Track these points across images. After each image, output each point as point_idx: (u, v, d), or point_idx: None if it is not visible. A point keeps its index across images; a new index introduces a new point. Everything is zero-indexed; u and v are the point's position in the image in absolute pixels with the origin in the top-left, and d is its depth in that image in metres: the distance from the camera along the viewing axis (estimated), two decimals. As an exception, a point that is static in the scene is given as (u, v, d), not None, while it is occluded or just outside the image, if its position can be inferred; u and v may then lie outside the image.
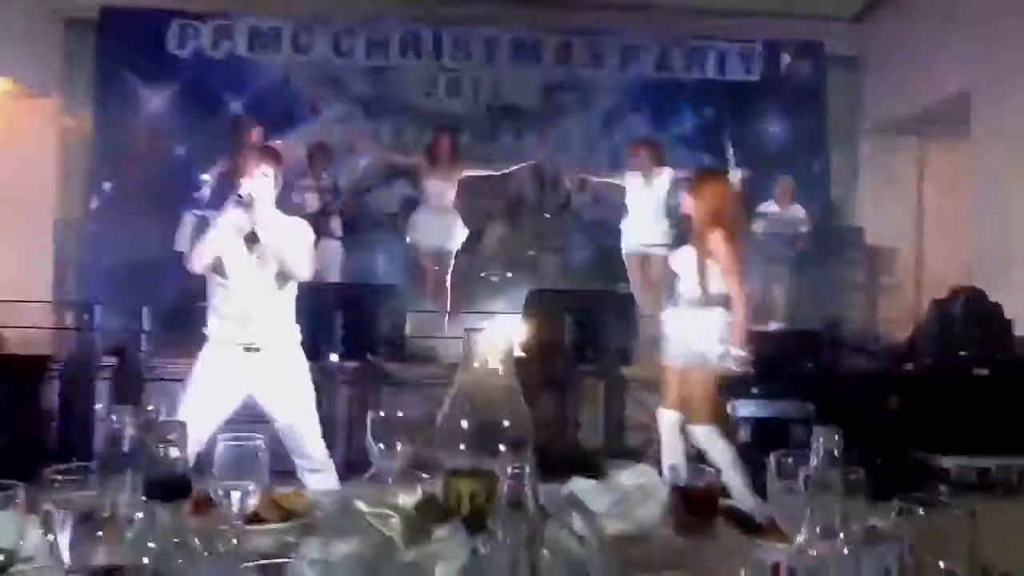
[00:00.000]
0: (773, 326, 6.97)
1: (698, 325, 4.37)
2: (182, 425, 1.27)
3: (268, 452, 1.55)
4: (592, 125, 9.27)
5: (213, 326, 3.70)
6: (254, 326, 3.63)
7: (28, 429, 5.17)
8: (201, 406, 3.52)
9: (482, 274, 7.99)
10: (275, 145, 5.55)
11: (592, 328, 6.42)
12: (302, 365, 3.77)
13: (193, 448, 3.37)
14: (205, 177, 7.17)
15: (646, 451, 5.13)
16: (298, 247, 3.71)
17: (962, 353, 5.89)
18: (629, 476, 1.80)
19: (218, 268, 3.64)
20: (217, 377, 3.63)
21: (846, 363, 6.25)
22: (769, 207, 7.92)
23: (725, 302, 4.34)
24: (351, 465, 4.06)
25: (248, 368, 3.63)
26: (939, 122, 8.18)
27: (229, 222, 3.62)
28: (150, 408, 1.49)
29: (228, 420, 3.56)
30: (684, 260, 4.51)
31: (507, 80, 9.24)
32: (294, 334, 3.77)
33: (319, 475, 3.66)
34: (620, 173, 7.38)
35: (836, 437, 1.10)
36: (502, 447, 1.26)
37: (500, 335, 1.34)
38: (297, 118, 8.79)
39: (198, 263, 3.63)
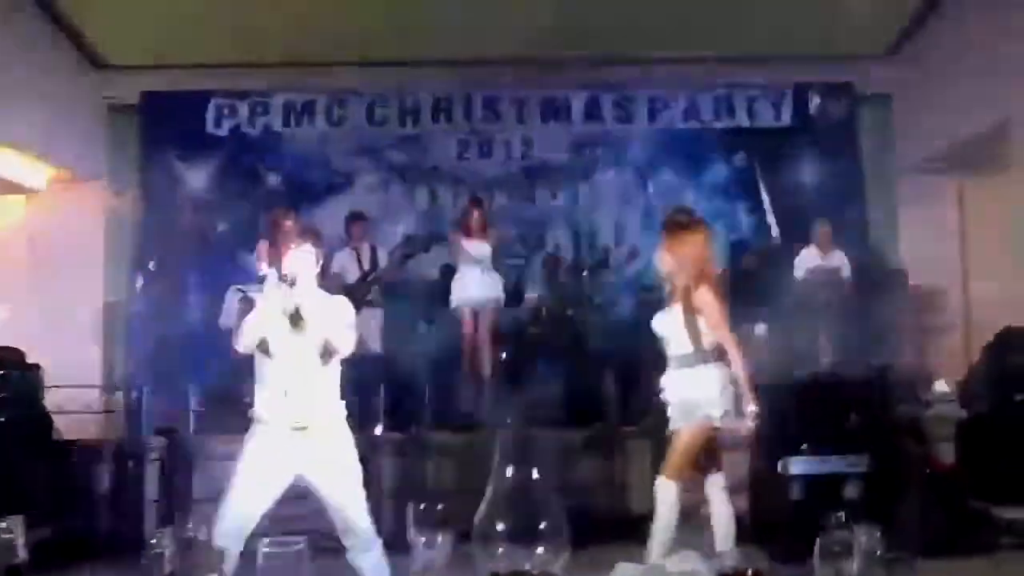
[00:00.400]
0: (819, 377, 6.84)
1: (698, 384, 4.16)
2: (219, 553, 1.28)
3: (309, 553, 1.57)
4: (625, 178, 9.31)
5: (260, 406, 3.74)
6: (300, 404, 3.66)
7: (78, 516, 5.23)
8: (251, 488, 3.58)
9: (525, 333, 7.99)
10: (311, 224, 5.65)
11: (636, 387, 6.38)
12: (349, 443, 3.78)
13: (242, 526, 3.38)
14: (255, 258, 7.24)
15: (696, 513, 5.03)
16: (341, 324, 3.77)
17: (1019, 397, 5.74)
18: (674, 562, 1.78)
19: (263, 347, 3.69)
20: (265, 458, 3.65)
21: (897, 412, 6.10)
22: (809, 254, 7.84)
23: (721, 356, 4.17)
24: (398, 536, 4.05)
25: (296, 448, 3.65)
26: (977, 155, 8.07)
27: (272, 302, 3.68)
28: (189, 528, 1.51)
29: (277, 500, 3.61)
30: (670, 320, 4.26)
31: (538, 139, 9.34)
32: (340, 411, 3.80)
33: (368, 555, 3.66)
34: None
35: (877, 536, 1.08)
36: (539, 550, 1.27)
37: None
38: (333, 188, 8.96)
39: (243, 343, 3.69)
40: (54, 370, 6.03)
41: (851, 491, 5.13)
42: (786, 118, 9.29)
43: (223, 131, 9.05)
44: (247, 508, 3.53)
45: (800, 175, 9.09)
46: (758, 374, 6.73)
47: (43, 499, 5.11)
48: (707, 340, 4.18)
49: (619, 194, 9.28)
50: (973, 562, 4.91)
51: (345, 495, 3.69)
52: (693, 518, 4.60)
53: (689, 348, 4.20)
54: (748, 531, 4.71)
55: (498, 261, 7.61)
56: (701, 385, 4.17)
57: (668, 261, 4.35)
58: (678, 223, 4.43)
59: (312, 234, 3.98)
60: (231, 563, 3.11)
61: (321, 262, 3.85)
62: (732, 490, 5.25)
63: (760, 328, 8.03)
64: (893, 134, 9.21)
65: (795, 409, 5.59)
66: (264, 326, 3.67)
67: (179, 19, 7.94)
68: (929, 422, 5.98)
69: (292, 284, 3.64)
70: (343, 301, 3.93)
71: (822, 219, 7.94)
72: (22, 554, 1.38)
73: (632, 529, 5.14)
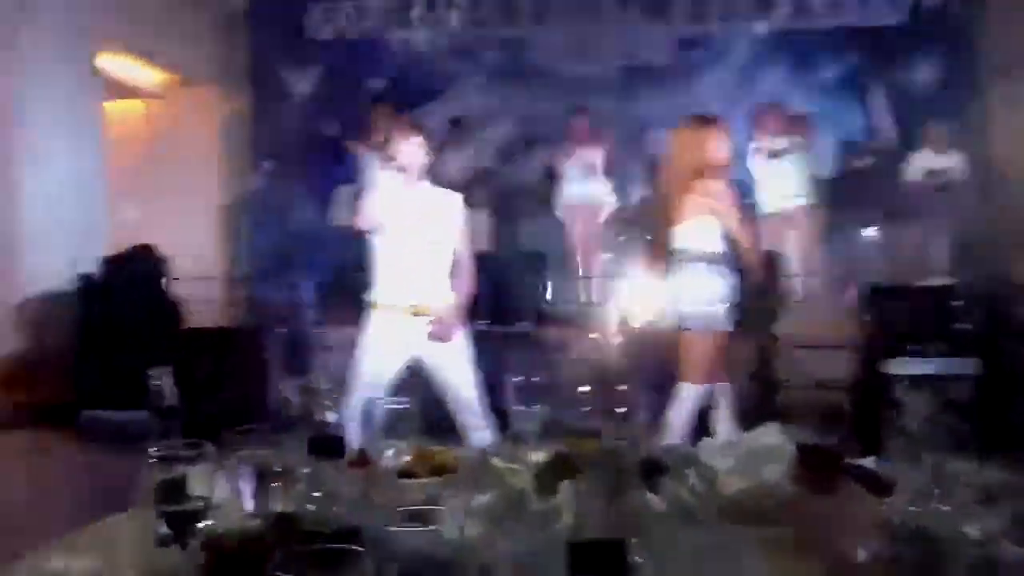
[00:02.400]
0: (933, 281, 6.68)
1: (705, 286, 4.07)
2: (338, 393, 1.44)
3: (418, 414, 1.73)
4: (729, 81, 9.06)
5: (378, 292, 3.91)
6: (416, 290, 3.84)
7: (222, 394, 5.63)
8: (373, 369, 3.80)
9: (621, 238, 8.02)
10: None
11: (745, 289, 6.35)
12: (461, 329, 3.94)
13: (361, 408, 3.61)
14: (355, 149, 7.45)
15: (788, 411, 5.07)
16: (452, 216, 3.93)
17: None
18: (756, 436, 1.86)
19: (380, 232, 3.86)
20: (385, 341, 3.86)
21: (1010, 318, 5.92)
22: (922, 156, 7.55)
23: (735, 259, 4.07)
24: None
25: (413, 330, 3.84)
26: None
27: (388, 188, 3.84)
28: (311, 377, 1.67)
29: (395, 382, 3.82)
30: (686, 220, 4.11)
31: (641, 40, 9.15)
32: (451, 297, 3.94)
33: (481, 432, 3.83)
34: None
35: (932, 402, 1.14)
36: (619, 410, 1.36)
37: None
38: (435, 91, 9.02)
39: (366, 220, 3.85)
40: (178, 264, 6.43)
41: (955, 393, 5.06)
42: (901, 15, 8.82)
43: (326, 35, 9.19)
44: (370, 388, 3.69)
45: (916, 74, 8.66)
46: (867, 276, 6.67)
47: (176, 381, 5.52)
48: (718, 241, 4.08)
49: (724, 95, 9.05)
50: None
51: (460, 376, 3.89)
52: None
53: (705, 248, 4.10)
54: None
55: (609, 167, 7.65)
56: (709, 287, 4.09)
57: (686, 155, 4.18)
58: (697, 117, 4.29)
59: (420, 127, 4.07)
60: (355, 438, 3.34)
61: (431, 157, 3.95)
62: (835, 387, 5.32)
63: (870, 231, 7.86)
64: (1019, 31, 8.63)
65: (903, 312, 5.51)
66: (381, 210, 3.83)
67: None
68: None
69: (404, 172, 3.79)
70: (456, 196, 4.05)
71: (936, 119, 7.61)
72: (172, 398, 1.57)
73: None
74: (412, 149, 3.84)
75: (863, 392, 5.51)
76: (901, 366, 5.26)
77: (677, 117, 4.47)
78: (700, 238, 4.10)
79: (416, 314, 3.84)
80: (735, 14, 9.01)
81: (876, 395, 5.32)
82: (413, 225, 3.84)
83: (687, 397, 4.12)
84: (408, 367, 3.90)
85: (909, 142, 7.91)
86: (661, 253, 4.18)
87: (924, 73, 8.62)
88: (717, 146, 4.18)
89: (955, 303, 5.70)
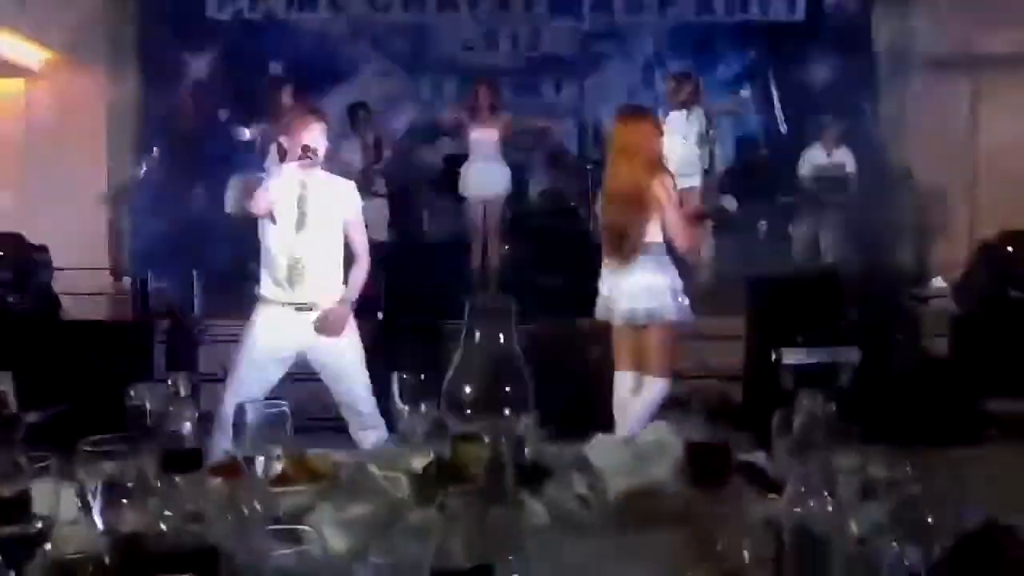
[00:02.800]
0: (816, 271, 6.89)
1: (646, 278, 4.16)
2: (194, 402, 1.34)
3: (292, 416, 1.63)
4: (633, 73, 9.15)
5: (265, 286, 3.78)
6: (304, 284, 3.70)
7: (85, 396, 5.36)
8: (257, 366, 3.66)
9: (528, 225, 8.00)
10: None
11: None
12: (351, 323, 3.83)
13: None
14: (245, 133, 7.21)
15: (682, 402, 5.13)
16: (348, 206, 3.81)
17: (1014, 293, 5.78)
18: (647, 432, 1.84)
19: (272, 220, 3.71)
20: (271, 336, 3.72)
21: (893, 307, 6.16)
22: (815, 151, 7.78)
23: (671, 250, 4.21)
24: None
25: (299, 326, 3.71)
26: (995, 59, 7.91)
27: (291, 173, 3.70)
28: (169, 383, 1.56)
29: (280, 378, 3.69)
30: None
31: (546, 31, 9.15)
32: (342, 291, 3.82)
33: (371, 432, 3.69)
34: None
35: (818, 397, 1.12)
36: (505, 411, 1.30)
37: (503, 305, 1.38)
38: (336, 77, 8.82)
39: (259, 207, 3.70)
40: (60, 253, 6.10)
41: (841, 381, 5.21)
42: (800, 13, 9.07)
43: (225, 16, 8.87)
44: (254, 385, 3.58)
45: (811, 72, 8.92)
46: (758, 267, 6.82)
47: (50, 379, 5.23)
48: (659, 233, 4.16)
49: (627, 88, 9.13)
50: (961, 451, 5.02)
51: (349, 372, 3.77)
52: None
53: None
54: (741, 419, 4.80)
55: (506, 149, 7.56)
56: (651, 278, 4.17)
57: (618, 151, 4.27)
58: (631, 107, 4.45)
59: (320, 113, 3.94)
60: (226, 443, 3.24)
61: (327, 144, 3.83)
62: (729, 379, 5.41)
63: (762, 224, 8.05)
64: (909, 32, 8.98)
65: (791, 302, 5.65)
66: (275, 198, 3.69)
67: None
68: (925, 317, 6.05)
69: (314, 158, 3.67)
70: (349, 184, 3.95)
71: (828, 117, 7.86)
72: (13, 405, 1.43)
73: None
74: (312, 135, 3.70)
75: (753, 383, 5.64)
76: (789, 356, 5.41)
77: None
78: (658, 230, 4.15)
79: (303, 308, 3.71)
80: (640, 7, 9.07)
81: (766, 386, 5.46)
82: (306, 214, 3.71)
83: (658, 390, 4.19)
84: (295, 363, 3.77)
85: (802, 137, 8.13)
86: (631, 244, 4.16)
87: (819, 71, 8.87)
88: (660, 138, 4.32)
89: (841, 293, 5.89)
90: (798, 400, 1.21)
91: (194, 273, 6.18)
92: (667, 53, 9.06)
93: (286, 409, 1.64)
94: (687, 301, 4.25)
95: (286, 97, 7.08)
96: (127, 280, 7.05)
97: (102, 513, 1.21)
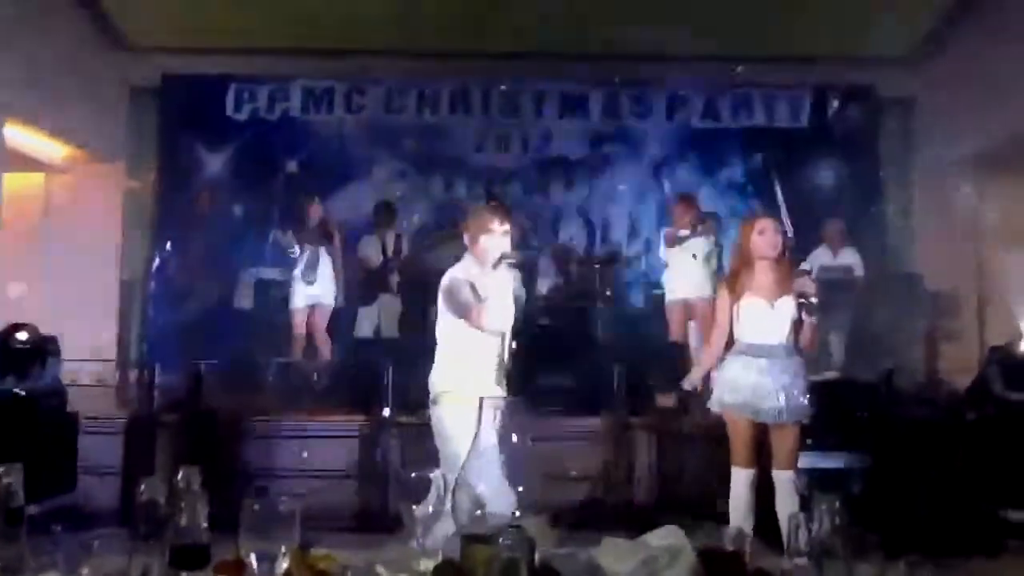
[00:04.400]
0: (828, 375, 6.83)
1: (771, 374, 4.15)
2: (203, 497, 1.32)
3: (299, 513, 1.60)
4: (641, 175, 9.31)
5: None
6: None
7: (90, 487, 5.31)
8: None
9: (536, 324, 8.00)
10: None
11: (642, 379, 6.39)
12: None
13: None
14: (295, 249, 7.24)
15: (701, 505, 5.03)
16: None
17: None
18: (657, 537, 1.80)
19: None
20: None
21: (906, 413, 6.08)
22: (820, 252, 7.82)
23: (797, 351, 4.19)
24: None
25: None
26: (998, 161, 8.03)
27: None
28: (179, 477, 1.54)
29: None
30: (755, 308, 4.23)
31: (556, 133, 9.36)
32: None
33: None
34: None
35: (836, 504, 1.10)
36: (517, 512, 1.28)
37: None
38: (350, 176, 8.99)
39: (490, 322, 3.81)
40: (69, 344, 6.11)
41: (852, 488, 5.12)
42: (805, 120, 9.28)
43: (243, 115, 9.11)
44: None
45: (817, 177, 9.07)
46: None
47: (55, 469, 5.18)
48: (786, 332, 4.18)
49: (634, 190, 9.29)
50: (977, 563, 4.89)
51: None
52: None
53: (769, 338, 4.18)
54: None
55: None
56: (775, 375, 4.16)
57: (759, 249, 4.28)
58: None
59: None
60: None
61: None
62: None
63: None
64: (914, 138, 9.16)
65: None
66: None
67: (202, 2, 8.01)
68: (937, 424, 5.95)
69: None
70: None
71: (834, 218, 7.94)
72: (21, 498, 1.41)
73: (635, 519, 5.18)
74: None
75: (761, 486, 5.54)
76: (801, 461, 5.32)
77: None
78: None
79: None
80: (647, 112, 9.30)
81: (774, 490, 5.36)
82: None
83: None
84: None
85: (807, 240, 8.20)
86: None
87: (826, 177, 9.03)
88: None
89: (850, 399, 5.83)
90: (815, 505, 1.18)
91: (201, 367, 6.18)
92: (674, 156, 9.24)
93: (294, 506, 1.62)
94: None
95: (314, 211, 7.26)
96: (133, 373, 7.06)
97: (104, 611, 1.19)
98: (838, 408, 5.58)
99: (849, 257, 7.80)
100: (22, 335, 5.62)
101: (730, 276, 4.38)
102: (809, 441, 5.34)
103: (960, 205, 8.63)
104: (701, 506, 4.97)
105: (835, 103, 9.22)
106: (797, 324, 4.13)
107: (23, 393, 5.43)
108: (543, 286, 8.34)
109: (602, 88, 9.29)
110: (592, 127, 9.36)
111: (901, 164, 9.17)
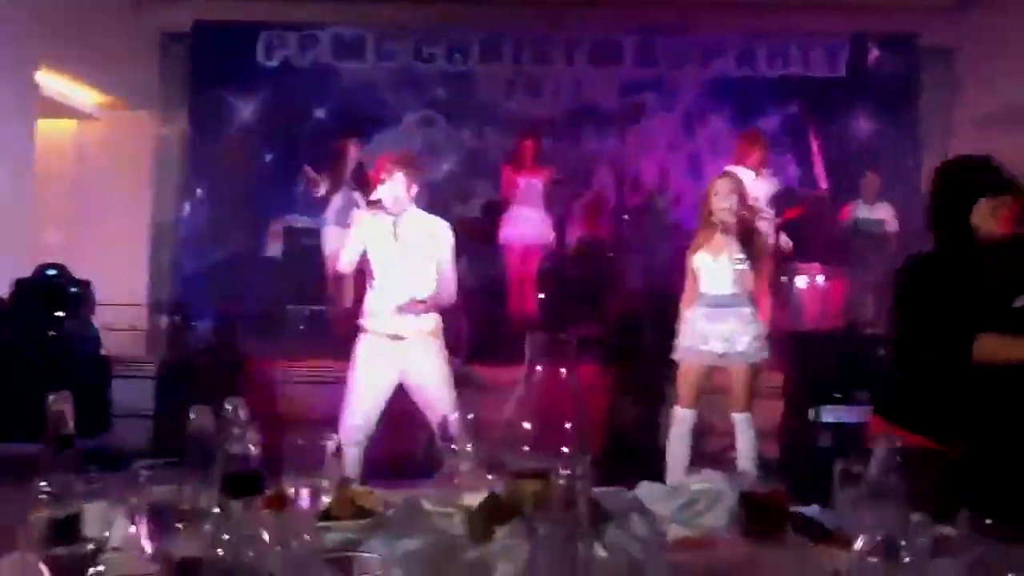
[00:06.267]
0: (855, 328, 6.75)
1: (735, 323, 4.46)
2: (254, 425, 1.32)
3: (340, 451, 1.61)
4: (673, 124, 9.18)
5: (365, 317, 4.04)
6: (400, 317, 3.95)
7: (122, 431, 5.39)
8: (364, 390, 3.96)
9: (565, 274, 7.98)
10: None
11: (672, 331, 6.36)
12: (440, 351, 4.08)
13: (361, 424, 3.76)
14: (321, 189, 7.20)
15: (725, 456, 5.04)
16: (439, 243, 4.06)
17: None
18: (697, 481, 1.79)
19: (365, 267, 4.02)
20: (373, 362, 3.97)
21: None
22: (857, 206, 7.70)
23: (749, 300, 4.50)
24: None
25: (396, 354, 3.96)
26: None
27: (366, 225, 3.99)
28: (227, 408, 1.55)
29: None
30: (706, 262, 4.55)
31: (587, 81, 9.23)
32: (432, 323, 4.07)
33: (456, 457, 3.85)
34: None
35: (896, 443, 1.08)
36: (564, 449, 1.27)
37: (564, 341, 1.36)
38: (379, 123, 8.93)
39: (344, 265, 4.07)
40: (102, 289, 6.17)
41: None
42: (842, 69, 9.07)
43: (273, 63, 9.06)
44: (364, 407, 3.95)
45: (854, 127, 8.90)
46: (797, 323, 6.73)
47: (89, 411, 5.27)
48: (745, 283, 4.47)
49: (666, 140, 9.16)
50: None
51: (437, 395, 3.97)
52: (722, 463, 4.65)
53: (731, 288, 4.46)
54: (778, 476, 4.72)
55: (549, 199, 7.58)
56: (740, 323, 4.46)
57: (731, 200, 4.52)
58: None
59: (403, 160, 4.17)
60: (352, 462, 3.66)
61: (415, 187, 4.08)
62: (764, 436, 5.30)
63: (801, 280, 7.95)
64: (953, 89, 8.93)
65: (830, 359, 5.57)
66: (362, 247, 4.01)
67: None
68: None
69: (379, 206, 3.99)
70: (442, 222, 4.15)
71: (869, 171, 7.79)
72: (70, 426, 1.43)
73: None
74: (395, 184, 3.97)
75: (790, 439, 5.53)
76: (827, 413, 5.32)
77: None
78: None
79: (395, 338, 3.96)
80: (683, 60, 9.13)
81: (804, 442, 5.35)
82: (396, 254, 3.98)
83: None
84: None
85: (843, 192, 8.07)
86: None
87: (863, 127, 8.84)
88: None
89: (879, 352, 5.76)
90: (874, 449, 1.15)
91: (231, 312, 6.22)
92: (707, 105, 9.09)
93: (333, 443, 1.63)
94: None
95: (343, 149, 7.19)
96: (164, 318, 7.12)
97: (151, 537, 1.19)
98: (865, 360, 5.54)
99: (883, 211, 7.67)
100: (56, 278, 5.67)
101: (695, 233, 4.68)
102: (837, 395, 5.37)
103: (997, 155, 8.41)
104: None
105: (874, 52, 8.99)
106: (746, 275, 4.46)
107: (58, 335, 5.51)
108: (572, 237, 8.30)
109: (634, 36, 9.12)
110: (624, 76, 9.21)
111: (941, 115, 8.95)
